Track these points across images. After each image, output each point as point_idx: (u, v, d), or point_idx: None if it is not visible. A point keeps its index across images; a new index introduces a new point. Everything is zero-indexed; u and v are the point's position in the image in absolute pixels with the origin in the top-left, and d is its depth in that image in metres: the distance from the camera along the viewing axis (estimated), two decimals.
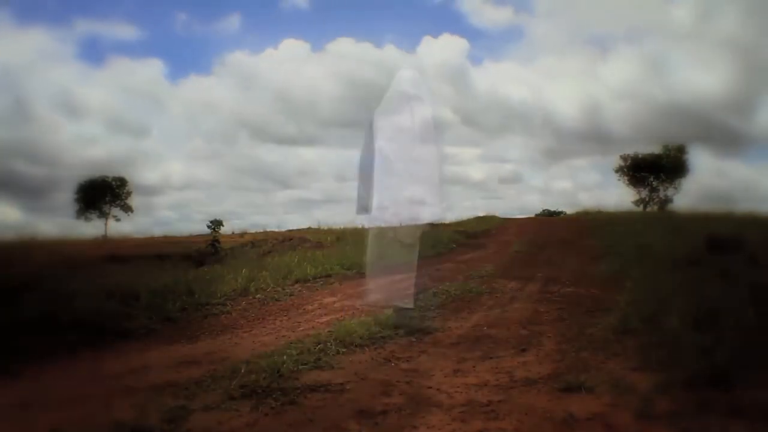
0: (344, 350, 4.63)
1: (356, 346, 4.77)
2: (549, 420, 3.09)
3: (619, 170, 34.03)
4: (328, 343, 4.73)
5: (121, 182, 41.97)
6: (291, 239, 15.53)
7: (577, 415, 3.12)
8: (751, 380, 3.34)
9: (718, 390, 3.23)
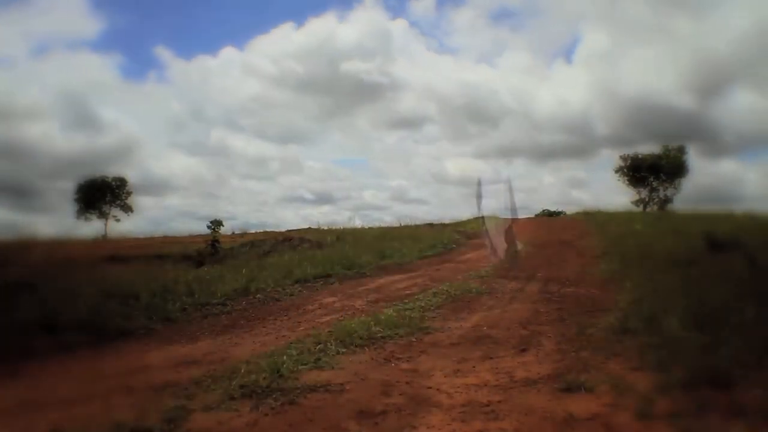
0: (344, 350, 4.63)
1: (356, 346, 4.76)
2: (549, 420, 3.09)
3: (619, 170, 34.07)
4: (328, 343, 4.73)
5: (121, 182, 41.97)
6: (291, 239, 15.52)
7: (577, 415, 3.11)
8: (751, 380, 3.34)
9: (718, 390, 3.23)
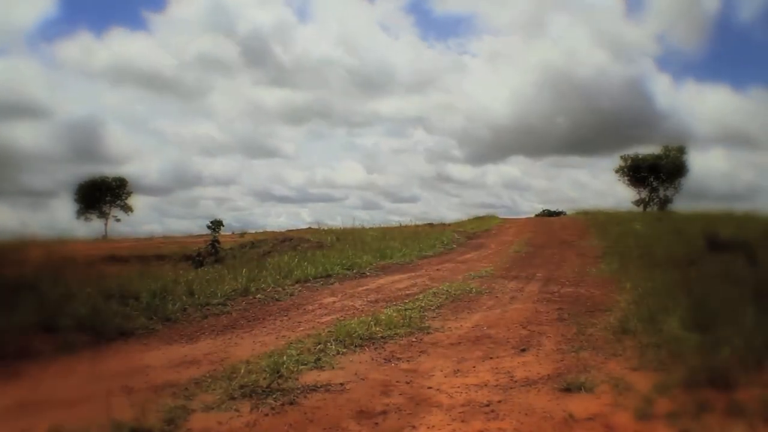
0: (344, 350, 4.63)
1: (356, 346, 4.77)
2: (549, 420, 3.09)
3: (620, 170, 34.11)
4: (328, 343, 4.73)
5: (121, 182, 42.00)
6: (291, 239, 15.54)
7: (577, 415, 3.12)
8: (751, 380, 3.34)
9: (718, 390, 3.23)
